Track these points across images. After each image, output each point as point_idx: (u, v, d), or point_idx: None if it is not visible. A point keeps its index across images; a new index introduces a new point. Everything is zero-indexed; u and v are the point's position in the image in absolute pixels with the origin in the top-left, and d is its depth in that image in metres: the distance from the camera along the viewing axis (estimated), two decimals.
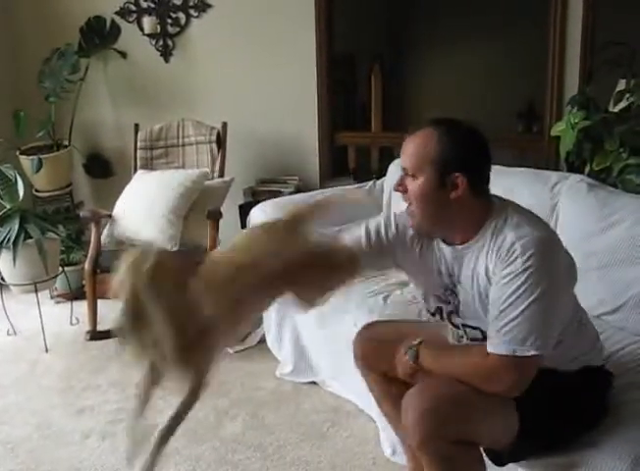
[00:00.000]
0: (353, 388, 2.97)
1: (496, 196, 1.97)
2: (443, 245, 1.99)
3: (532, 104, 5.46)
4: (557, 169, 3.45)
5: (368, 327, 2.38)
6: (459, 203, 1.86)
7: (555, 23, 3.58)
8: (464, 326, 2.02)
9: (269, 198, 3.71)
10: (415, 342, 2.01)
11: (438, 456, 1.88)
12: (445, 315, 2.07)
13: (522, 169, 3.14)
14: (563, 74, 3.64)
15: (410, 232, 2.04)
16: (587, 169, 3.08)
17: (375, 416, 2.80)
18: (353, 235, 2.13)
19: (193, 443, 2.82)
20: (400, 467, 2.55)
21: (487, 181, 1.92)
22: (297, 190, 4.01)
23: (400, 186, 1.92)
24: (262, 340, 3.51)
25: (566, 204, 2.84)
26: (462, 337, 2.07)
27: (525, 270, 1.77)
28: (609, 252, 2.61)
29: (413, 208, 1.92)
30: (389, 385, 2.26)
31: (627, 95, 3.10)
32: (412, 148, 1.88)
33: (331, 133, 4.18)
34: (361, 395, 2.91)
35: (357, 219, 3.51)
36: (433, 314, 2.11)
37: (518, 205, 1.96)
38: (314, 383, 3.19)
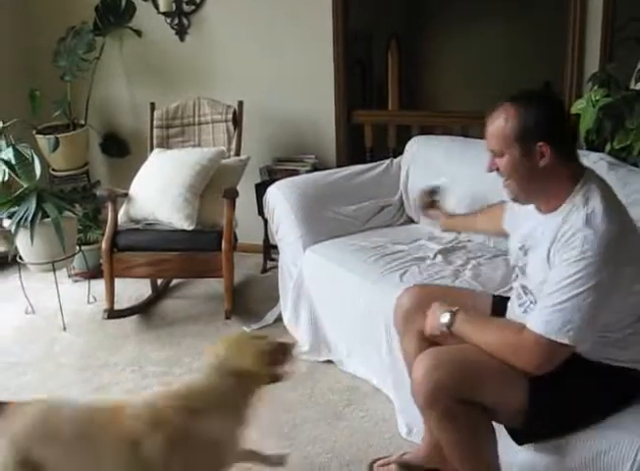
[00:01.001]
0: (369, 366, 2.98)
1: (588, 169, 2.00)
2: (534, 212, 2.06)
3: (549, 85, 5.39)
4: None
5: (411, 286, 2.48)
6: (549, 170, 1.92)
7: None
8: (523, 287, 2.08)
9: (285, 177, 3.70)
10: (454, 309, 2.07)
11: (443, 414, 1.95)
12: (515, 274, 2.19)
13: None
14: (584, 51, 3.59)
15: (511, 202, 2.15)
16: (608, 147, 3.03)
17: (392, 396, 2.80)
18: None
19: None
20: (415, 445, 2.54)
21: (571, 142, 1.99)
22: (314, 169, 4.00)
23: (493, 167, 2.01)
24: (279, 319, 3.52)
25: None
26: (520, 299, 2.12)
27: (580, 260, 1.82)
28: None
29: (509, 182, 2.01)
30: (423, 345, 2.25)
31: None
32: (494, 128, 1.96)
33: (348, 112, 4.14)
34: (378, 373, 2.93)
35: (374, 197, 3.55)
36: (513, 268, 2.21)
37: (606, 184, 1.98)
38: (330, 362, 3.20)
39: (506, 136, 1.92)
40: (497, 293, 2.47)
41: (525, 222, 2.10)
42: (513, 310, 2.17)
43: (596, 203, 1.88)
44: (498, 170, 2.00)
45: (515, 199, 2.06)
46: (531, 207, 2.07)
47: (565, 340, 1.83)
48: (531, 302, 2.05)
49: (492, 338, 1.98)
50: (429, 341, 2.24)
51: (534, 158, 1.91)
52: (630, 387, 2.03)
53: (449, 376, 1.92)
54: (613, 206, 1.91)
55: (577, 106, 3.13)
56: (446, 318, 2.07)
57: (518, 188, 2.00)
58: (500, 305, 2.28)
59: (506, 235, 2.36)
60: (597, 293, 1.82)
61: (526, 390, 1.94)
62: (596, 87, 3.18)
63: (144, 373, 3.20)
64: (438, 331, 2.10)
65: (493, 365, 1.94)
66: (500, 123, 1.93)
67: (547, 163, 1.91)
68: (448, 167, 3.35)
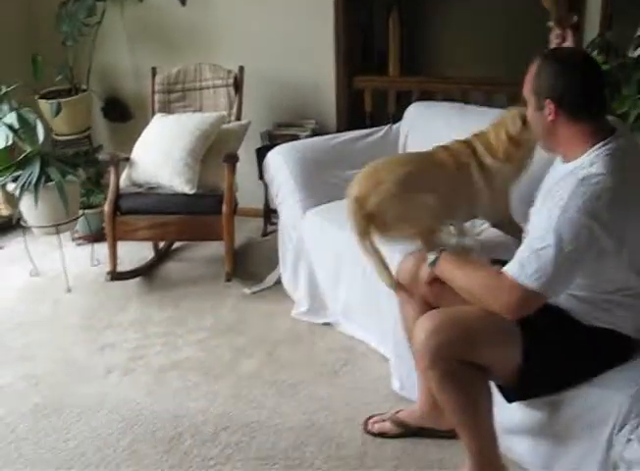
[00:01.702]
0: (366, 326, 3.05)
1: (617, 132, 1.99)
2: (558, 162, 2.13)
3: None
4: None
5: (414, 252, 2.48)
6: (557, 126, 1.99)
7: None
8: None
9: (286, 142, 3.73)
10: (440, 249, 2.17)
11: (444, 376, 2.01)
12: None
13: None
14: (584, 17, 3.59)
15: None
16: None
17: (388, 353, 2.87)
18: None
19: (211, 379, 2.91)
20: (409, 402, 2.63)
21: (586, 110, 1.97)
22: (314, 134, 4.02)
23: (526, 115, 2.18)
24: (278, 282, 3.59)
25: None
26: None
27: (564, 212, 1.85)
28: None
29: (533, 130, 2.13)
30: (425, 309, 2.29)
31: None
32: (526, 79, 2.04)
33: (348, 77, 4.16)
34: (374, 334, 3.00)
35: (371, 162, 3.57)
36: None
37: (627, 151, 1.97)
38: (328, 323, 3.27)
39: (528, 88, 2.02)
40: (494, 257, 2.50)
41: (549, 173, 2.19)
42: None
43: (601, 165, 1.89)
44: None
45: (541, 147, 2.17)
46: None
47: (535, 287, 1.87)
48: None
49: (471, 278, 2.04)
50: (429, 307, 2.28)
51: (544, 112, 1.99)
52: (616, 347, 2.08)
53: (448, 339, 1.97)
54: (618, 175, 1.89)
55: None
56: (431, 258, 2.15)
57: (539, 137, 2.11)
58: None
59: None
60: (574, 248, 1.85)
61: (521, 349, 2.00)
62: (594, 54, 3.19)
63: (147, 333, 3.27)
64: (427, 277, 2.19)
65: (490, 326, 1.99)
66: (528, 75, 2.02)
67: (553, 119, 1.97)
68: (447, 133, 3.37)
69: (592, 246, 1.88)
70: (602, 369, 2.08)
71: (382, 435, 2.53)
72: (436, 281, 2.19)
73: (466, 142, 2.76)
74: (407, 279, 2.38)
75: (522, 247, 1.95)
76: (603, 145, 1.95)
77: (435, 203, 2.57)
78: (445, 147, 2.77)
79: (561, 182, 1.93)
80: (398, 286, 2.44)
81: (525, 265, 1.88)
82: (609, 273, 1.98)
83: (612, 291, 2.02)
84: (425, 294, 2.31)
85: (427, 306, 2.30)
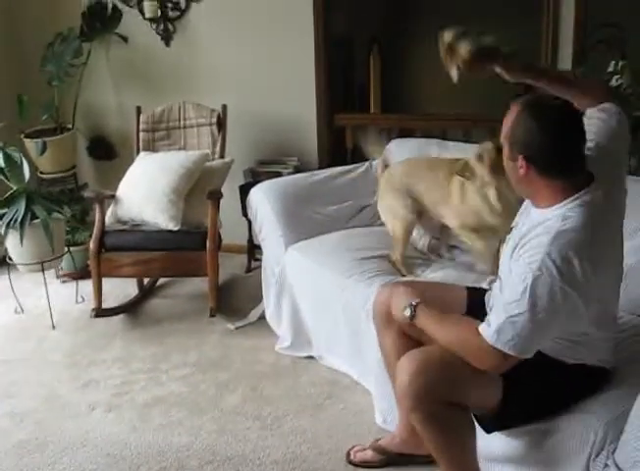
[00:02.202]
0: (350, 361, 3.08)
1: (590, 188, 1.94)
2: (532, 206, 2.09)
3: (530, 86, 5.50)
4: None
5: (389, 284, 2.54)
6: (529, 178, 1.97)
7: (548, 3, 3.64)
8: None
9: (269, 179, 3.79)
10: (414, 302, 2.14)
11: (429, 417, 2.02)
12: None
13: None
14: (557, 54, 3.70)
15: None
16: None
17: (370, 387, 2.90)
18: None
19: (195, 413, 2.93)
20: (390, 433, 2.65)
21: (561, 167, 1.93)
22: (297, 171, 4.09)
23: None
24: (262, 317, 3.62)
25: None
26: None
27: (541, 276, 1.84)
28: None
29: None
30: (402, 341, 2.37)
31: (616, 77, 3.16)
32: (505, 121, 2.01)
33: (329, 115, 4.24)
34: (357, 368, 3.03)
35: (354, 198, 3.65)
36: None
37: (598, 210, 1.94)
38: (312, 357, 3.30)
39: (505, 134, 2.00)
40: (470, 285, 2.56)
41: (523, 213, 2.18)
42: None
43: (574, 220, 1.89)
44: None
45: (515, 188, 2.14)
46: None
47: (512, 352, 1.89)
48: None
49: (451, 334, 2.03)
50: (408, 338, 2.34)
51: (516, 164, 1.97)
52: (589, 378, 2.12)
53: (431, 381, 1.97)
54: (590, 230, 1.90)
55: None
56: (407, 312, 2.14)
57: (512, 182, 2.08)
58: (475, 296, 2.36)
59: None
60: (548, 313, 1.86)
61: (501, 386, 2.03)
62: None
63: (131, 369, 3.29)
64: (402, 319, 2.19)
65: (471, 366, 1.98)
66: (507, 120, 1.99)
67: (525, 173, 1.95)
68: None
69: (565, 308, 1.88)
70: (578, 399, 2.12)
71: (364, 464, 2.56)
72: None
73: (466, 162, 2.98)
74: (384, 310, 2.40)
75: (497, 308, 1.94)
76: (576, 199, 1.92)
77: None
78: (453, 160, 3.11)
79: (534, 234, 1.92)
80: (374, 315, 2.48)
81: (501, 332, 1.88)
82: (572, 326, 2.01)
83: (572, 339, 2.05)
84: (402, 325, 2.34)
85: (404, 337, 2.35)
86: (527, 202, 2.15)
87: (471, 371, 1.99)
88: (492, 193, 2.91)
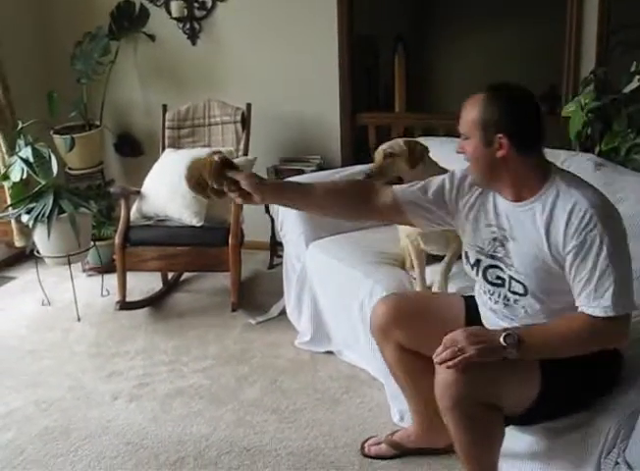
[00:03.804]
0: (367, 357, 3.11)
1: (552, 163, 2.09)
2: (500, 200, 2.12)
3: (554, 86, 5.50)
4: (570, 149, 3.52)
5: (386, 298, 2.50)
6: (507, 162, 1.99)
7: (572, 5, 3.64)
8: (511, 278, 2.09)
9: (291, 176, 3.83)
10: (509, 330, 1.96)
11: (465, 418, 1.99)
12: (481, 269, 2.18)
13: None
14: (580, 55, 3.71)
15: (467, 184, 2.19)
16: (597, 149, 3.16)
17: (385, 385, 2.93)
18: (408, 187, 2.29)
19: (215, 405, 2.99)
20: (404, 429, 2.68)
21: (535, 142, 2.03)
22: (320, 169, 4.13)
23: (461, 148, 2.08)
24: (283, 312, 3.68)
25: None
26: (493, 293, 2.16)
27: (608, 235, 1.90)
28: None
29: (470, 166, 2.09)
30: (402, 355, 2.39)
31: (638, 77, 3.17)
32: (464, 113, 2.03)
33: (352, 114, 4.28)
34: (374, 364, 3.06)
35: None
36: (472, 267, 2.22)
37: (573, 173, 2.08)
38: (330, 352, 3.34)
39: (473, 122, 1.99)
40: (466, 294, 2.48)
41: (487, 210, 2.15)
42: (486, 308, 2.23)
43: (577, 184, 1.99)
44: (463, 152, 2.08)
45: (475, 183, 2.14)
46: (493, 195, 2.13)
47: (629, 310, 1.94)
48: (519, 295, 2.08)
49: (565, 343, 1.97)
50: (407, 352, 2.35)
51: (493, 147, 1.98)
52: (610, 358, 2.11)
53: (473, 383, 1.93)
54: (595, 187, 2.03)
55: (567, 109, 3.26)
56: (512, 342, 1.92)
57: (479, 174, 2.08)
58: (473, 304, 2.32)
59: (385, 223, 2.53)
60: (627, 260, 1.94)
61: (538, 386, 2.01)
62: (588, 90, 3.30)
63: (154, 361, 3.36)
64: (498, 355, 1.94)
65: (511, 368, 1.96)
66: (470, 109, 2.01)
67: (504, 155, 1.97)
68: (447, 167, 3.47)
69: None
70: (602, 392, 2.12)
71: (379, 457, 2.59)
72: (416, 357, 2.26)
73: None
74: (383, 323, 2.39)
75: (593, 292, 1.92)
76: (557, 174, 2.02)
77: None
78: None
79: (567, 218, 1.93)
80: (372, 329, 2.46)
81: (617, 301, 1.90)
82: None
83: None
84: (399, 339, 2.35)
85: (402, 350, 2.37)
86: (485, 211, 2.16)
87: (507, 372, 1.97)
88: None
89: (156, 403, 3.02)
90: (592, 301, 1.93)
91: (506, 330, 1.95)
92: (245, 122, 4.10)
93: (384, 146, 2.95)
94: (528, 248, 2.04)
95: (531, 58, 5.88)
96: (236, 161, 3.93)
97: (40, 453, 2.72)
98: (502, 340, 1.91)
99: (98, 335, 3.64)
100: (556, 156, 3.05)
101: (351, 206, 2.30)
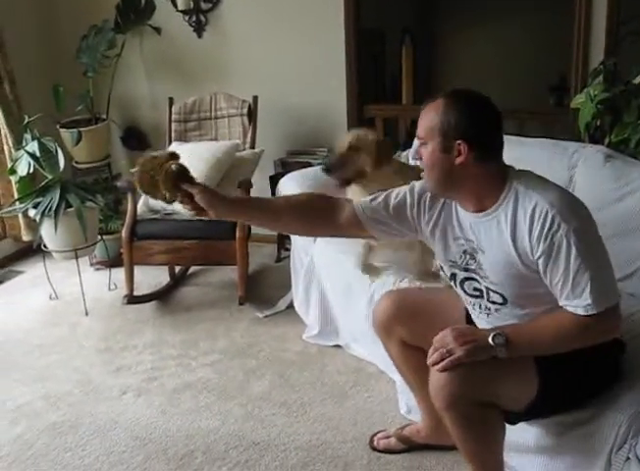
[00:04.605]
0: (375, 351, 3.09)
1: (511, 167, 2.03)
2: (462, 213, 2.07)
3: (564, 77, 5.47)
4: (580, 141, 3.49)
5: (388, 294, 2.49)
6: (465, 169, 1.93)
7: None
8: (488, 289, 2.07)
9: (299, 169, 3.83)
10: (498, 329, 1.96)
11: (461, 417, 1.99)
12: (458, 282, 2.15)
13: (541, 139, 3.22)
14: (589, 46, 3.68)
15: (428, 199, 2.13)
16: (606, 140, 3.14)
17: (395, 377, 2.93)
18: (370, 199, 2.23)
19: (223, 399, 2.98)
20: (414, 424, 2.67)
21: (494, 149, 1.98)
22: None
23: (417, 154, 2.01)
24: (291, 306, 3.67)
25: (583, 174, 2.91)
26: (475, 305, 2.14)
27: (574, 233, 1.85)
28: (621, 221, 2.69)
29: (426, 173, 2.01)
30: (406, 351, 2.39)
31: None
32: (423, 118, 1.98)
33: (359, 106, 4.26)
34: (382, 358, 3.03)
35: None
36: (450, 279, 2.19)
37: (532, 173, 2.03)
38: (338, 346, 3.33)
39: (431, 127, 1.93)
40: None
41: (452, 223, 2.11)
42: (474, 316, 2.20)
43: (535, 184, 1.94)
44: (420, 158, 2.00)
45: (431, 190, 2.07)
46: (456, 208, 2.09)
47: (613, 301, 1.89)
48: (499, 304, 2.06)
49: (553, 341, 1.95)
50: (410, 347, 2.35)
51: (451, 154, 1.92)
52: (611, 351, 2.10)
53: (468, 383, 1.92)
54: (549, 182, 1.99)
55: (576, 101, 3.23)
56: (499, 342, 1.92)
57: (435, 181, 2.00)
58: None
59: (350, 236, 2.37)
60: (599, 249, 1.91)
61: (536, 385, 1.99)
62: (598, 81, 3.27)
63: (162, 355, 3.36)
64: (487, 355, 1.94)
65: (507, 366, 1.95)
66: (429, 114, 1.95)
67: (462, 161, 1.92)
68: None
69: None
70: (605, 385, 2.11)
71: (387, 451, 2.59)
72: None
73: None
74: (384, 320, 2.39)
75: (571, 292, 1.89)
76: (515, 178, 1.96)
77: None
78: None
79: (532, 222, 1.89)
80: (374, 326, 2.45)
81: (598, 297, 1.86)
82: None
83: None
84: (402, 335, 2.35)
85: (406, 346, 2.36)
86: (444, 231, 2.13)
87: (503, 370, 1.96)
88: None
89: (164, 397, 3.02)
90: (572, 301, 1.90)
91: (494, 329, 1.95)
92: (252, 114, 4.09)
93: (350, 136, 2.78)
94: (498, 258, 1.99)
95: (539, 49, 5.85)
96: (242, 154, 3.95)
97: (49, 448, 2.72)
98: (490, 339, 1.91)
99: (106, 329, 3.64)
100: (565, 148, 3.05)
101: (312, 222, 2.27)
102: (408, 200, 2.16)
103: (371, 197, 2.23)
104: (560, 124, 3.97)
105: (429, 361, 1.96)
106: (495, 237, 1.99)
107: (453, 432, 2.05)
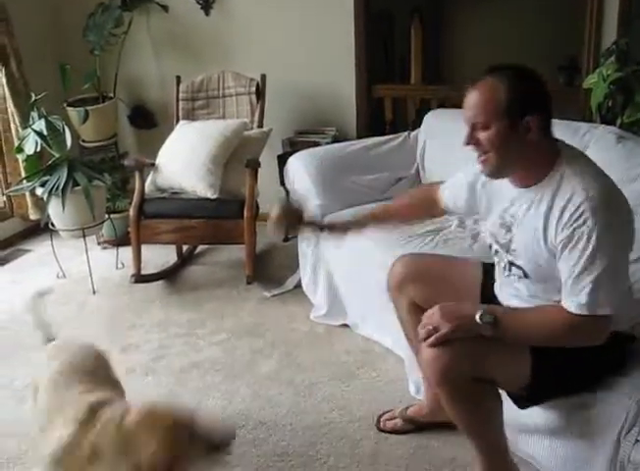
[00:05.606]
0: (383, 330, 3.10)
1: (564, 145, 2.03)
2: (508, 187, 2.06)
3: (574, 57, 5.40)
4: (591, 121, 3.46)
5: (404, 256, 2.52)
6: (534, 144, 1.93)
7: None
8: (511, 264, 2.09)
9: (307, 148, 3.80)
10: (485, 309, 1.98)
11: (454, 392, 2.01)
12: (493, 252, 2.19)
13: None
14: (601, 25, 3.63)
15: (481, 179, 2.17)
16: (618, 121, 3.10)
17: (403, 356, 2.92)
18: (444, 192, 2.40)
19: (230, 379, 2.99)
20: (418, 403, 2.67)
21: (551, 113, 1.98)
22: (335, 141, 4.08)
23: (472, 140, 1.97)
24: (298, 285, 3.66)
25: (595, 155, 2.83)
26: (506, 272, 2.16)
27: (597, 232, 1.83)
28: (633, 203, 2.61)
29: (490, 155, 1.96)
30: (415, 312, 2.37)
31: None
32: (479, 100, 1.93)
33: (368, 86, 4.23)
34: (390, 335, 3.05)
35: (392, 169, 3.64)
36: (489, 248, 2.22)
37: (585, 157, 2.03)
38: (346, 326, 3.33)
39: (494, 108, 1.89)
40: (487, 261, 2.44)
41: (498, 198, 2.13)
42: (501, 281, 2.22)
43: (583, 171, 1.92)
44: (476, 144, 1.97)
45: (492, 174, 2.04)
46: (501, 183, 2.08)
47: (608, 311, 1.88)
48: (520, 277, 2.09)
49: (542, 332, 1.97)
50: (421, 311, 2.28)
51: (520, 131, 1.90)
52: (619, 347, 2.10)
53: (458, 357, 1.94)
54: (600, 172, 1.97)
55: (589, 81, 3.20)
56: (487, 320, 1.95)
57: (500, 162, 1.96)
58: (491, 273, 2.30)
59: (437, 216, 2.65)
60: (619, 258, 1.89)
61: (530, 363, 2.00)
62: (610, 61, 3.23)
63: (169, 334, 3.36)
64: (472, 332, 1.97)
65: (497, 344, 1.97)
66: (487, 95, 1.91)
67: (532, 137, 1.91)
68: (462, 139, 3.43)
69: (626, 248, 1.95)
70: (608, 370, 2.11)
71: (394, 432, 2.59)
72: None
73: None
74: (399, 279, 2.42)
75: (574, 286, 1.89)
76: (566, 155, 1.96)
77: None
78: None
79: (566, 206, 1.89)
80: (388, 287, 2.50)
81: (593, 300, 1.86)
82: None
83: None
84: (412, 295, 2.37)
85: (416, 307, 2.37)
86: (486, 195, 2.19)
87: (496, 347, 1.98)
88: None
89: (172, 376, 3.03)
90: (569, 296, 1.91)
91: (483, 308, 1.98)
92: (260, 93, 4.06)
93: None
94: (531, 234, 1.99)
95: (550, 31, 5.79)
96: (250, 133, 3.93)
97: None
98: (477, 317, 1.94)
99: (113, 308, 3.64)
100: (576, 128, 3.02)
101: (418, 217, 2.69)
102: (477, 185, 2.24)
103: (453, 184, 2.37)
104: (570, 103, 3.93)
105: (419, 338, 2.01)
106: (533, 213, 1.99)
107: (447, 408, 2.08)
